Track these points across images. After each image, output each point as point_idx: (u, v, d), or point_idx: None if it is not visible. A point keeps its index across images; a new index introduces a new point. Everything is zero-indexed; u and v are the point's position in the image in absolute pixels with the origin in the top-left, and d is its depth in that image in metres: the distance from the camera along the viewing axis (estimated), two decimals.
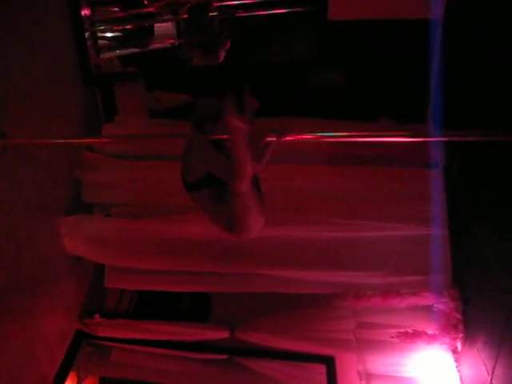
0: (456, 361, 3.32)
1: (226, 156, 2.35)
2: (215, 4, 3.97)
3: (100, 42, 4.20)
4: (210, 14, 3.92)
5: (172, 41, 4.26)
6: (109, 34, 4.31)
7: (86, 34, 3.90)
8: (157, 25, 4.27)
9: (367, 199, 3.48)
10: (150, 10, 4.11)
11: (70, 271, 3.67)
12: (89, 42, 3.94)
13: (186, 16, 3.99)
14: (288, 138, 2.37)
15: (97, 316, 3.76)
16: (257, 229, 2.45)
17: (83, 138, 3.79)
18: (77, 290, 3.76)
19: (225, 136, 2.32)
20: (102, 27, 4.23)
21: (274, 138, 2.35)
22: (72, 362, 3.53)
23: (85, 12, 3.87)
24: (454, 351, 3.35)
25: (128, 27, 4.26)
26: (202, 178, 2.42)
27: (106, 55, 4.23)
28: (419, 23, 3.44)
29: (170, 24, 4.27)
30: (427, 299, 3.40)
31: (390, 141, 3.11)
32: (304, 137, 2.48)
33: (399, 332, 3.36)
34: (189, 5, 3.94)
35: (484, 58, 2.97)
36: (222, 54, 3.90)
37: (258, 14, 3.88)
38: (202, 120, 2.42)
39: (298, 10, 3.78)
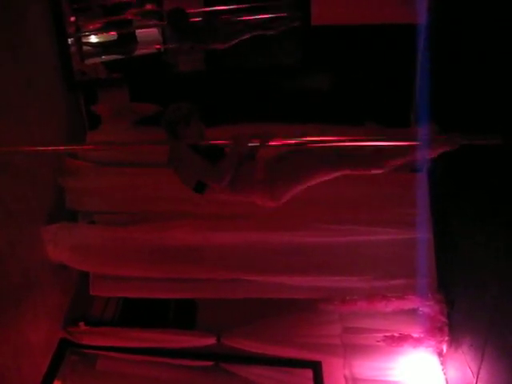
0: (442, 364, 3.34)
1: (206, 155, 2.41)
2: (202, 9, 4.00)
3: (85, 47, 4.18)
4: (194, 19, 3.93)
5: (158, 46, 4.25)
6: (94, 40, 4.28)
7: (70, 40, 3.87)
8: (143, 30, 4.26)
9: (352, 204, 3.50)
10: (131, 16, 4.11)
11: (53, 279, 3.62)
12: (73, 48, 3.92)
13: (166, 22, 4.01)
14: (272, 144, 2.38)
15: (82, 324, 3.72)
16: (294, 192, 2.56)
17: (66, 146, 3.76)
18: (61, 298, 3.73)
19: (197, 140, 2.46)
20: (86, 33, 4.21)
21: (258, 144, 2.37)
22: (56, 371, 3.49)
23: (69, 18, 3.86)
24: (440, 354, 3.37)
25: (112, 33, 4.25)
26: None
27: (90, 61, 4.21)
28: (404, 28, 3.47)
29: (155, 30, 4.27)
30: (412, 302, 3.42)
31: (375, 145, 3.13)
32: (288, 142, 2.49)
33: (385, 336, 3.37)
34: (166, 12, 3.96)
35: (468, 62, 2.99)
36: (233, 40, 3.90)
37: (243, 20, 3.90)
38: (173, 125, 2.44)
39: (282, 15, 3.80)
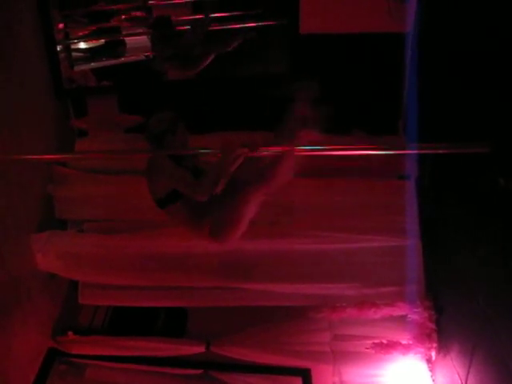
0: (430, 370, 3.35)
1: (188, 169, 2.40)
2: (188, 17, 4.00)
3: (74, 54, 4.17)
4: (183, 26, 3.94)
5: (146, 53, 4.25)
6: (83, 46, 4.28)
7: (59, 47, 3.86)
8: (131, 38, 4.26)
9: (340, 211, 3.51)
10: (118, 23, 4.11)
11: (42, 288, 3.61)
12: (62, 55, 3.91)
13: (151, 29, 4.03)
14: (260, 152, 2.39)
15: (70, 333, 3.70)
16: (240, 234, 2.53)
17: (55, 155, 3.73)
18: (50, 306, 3.71)
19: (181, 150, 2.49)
20: (75, 40, 4.20)
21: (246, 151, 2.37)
22: (45, 381, 3.47)
23: (57, 24, 3.85)
24: (429, 361, 3.38)
25: (101, 40, 4.25)
26: (170, 192, 2.45)
27: (80, 67, 4.20)
28: (392, 36, 3.49)
29: (144, 37, 4.27)
30: (401, 309, 3.43)
31: (363, 154, 3.15)
32: (276, 149, 2.50)
33: (374, 343, 3.37)
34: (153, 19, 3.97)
35: (456, 70, 3.02)
36: (200, 66, 3.91)
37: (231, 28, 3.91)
38: (159, 136, 2.44)
39: (270, 23, 3.82)
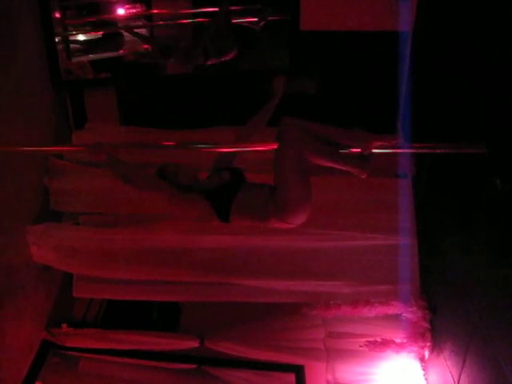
0: (423, 369, 3.37)
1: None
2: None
3: (72, 45, 4.15)
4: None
5: (146, 46, 4.23)
6: (81, 38, 4.25)
7: (57, 39, 3.84)
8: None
9: (336, 209, 3.50)
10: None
11: (37, 280, 3.59)
12: (60, 46, 3.88)
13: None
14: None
15: (64, 325, 3.70)
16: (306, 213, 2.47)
17: (52, 147, 3.72)
18: (44, 299, 3.69)
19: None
20: (73, 32, 4.17)
21: None
22: (38, 373, 3.46)
23: (56, 16, 3.82)
24: (422, 359, 3.40)
25: (99, 33, 4.23)
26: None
27: (78, 59, 4.17)
28: (391, 34, 3.49)
29: (144, 30, 4.25)
30: (396, 308, 3.45)
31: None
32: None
33: (368, 341, 3.39)
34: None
35: (452, 70, 3.02)
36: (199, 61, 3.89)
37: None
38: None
39: (271, 19, 3.81)
